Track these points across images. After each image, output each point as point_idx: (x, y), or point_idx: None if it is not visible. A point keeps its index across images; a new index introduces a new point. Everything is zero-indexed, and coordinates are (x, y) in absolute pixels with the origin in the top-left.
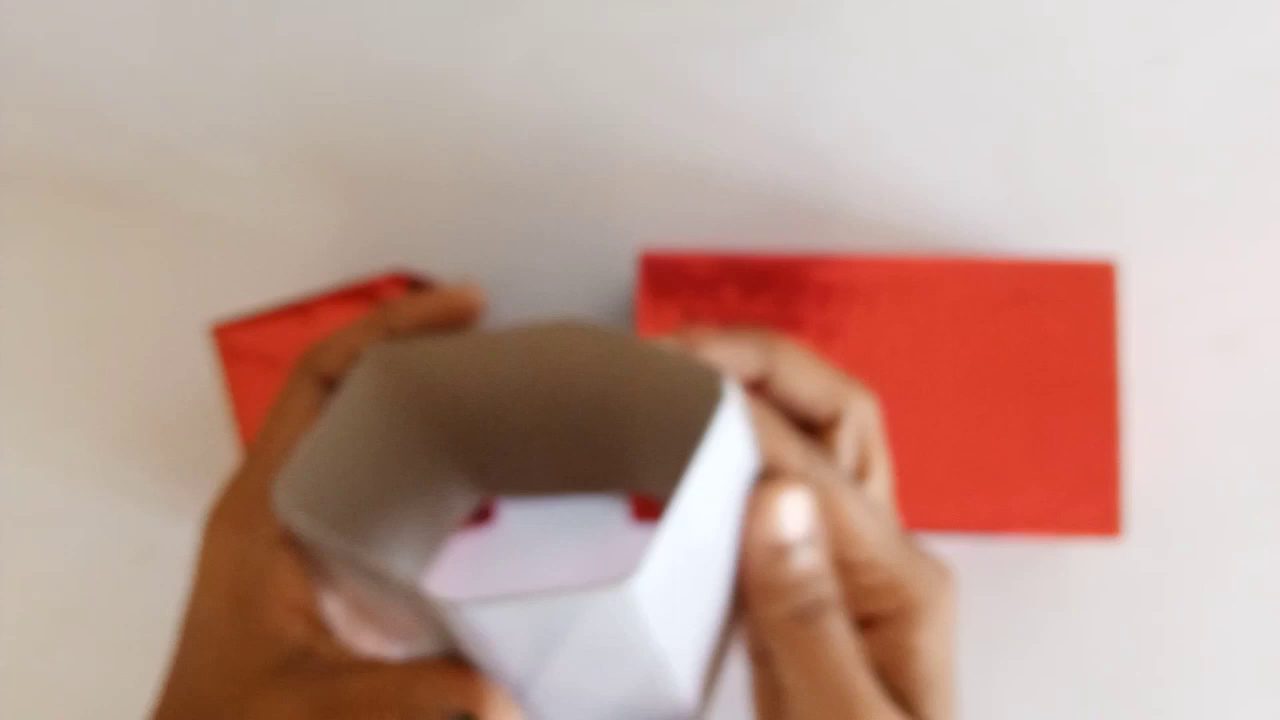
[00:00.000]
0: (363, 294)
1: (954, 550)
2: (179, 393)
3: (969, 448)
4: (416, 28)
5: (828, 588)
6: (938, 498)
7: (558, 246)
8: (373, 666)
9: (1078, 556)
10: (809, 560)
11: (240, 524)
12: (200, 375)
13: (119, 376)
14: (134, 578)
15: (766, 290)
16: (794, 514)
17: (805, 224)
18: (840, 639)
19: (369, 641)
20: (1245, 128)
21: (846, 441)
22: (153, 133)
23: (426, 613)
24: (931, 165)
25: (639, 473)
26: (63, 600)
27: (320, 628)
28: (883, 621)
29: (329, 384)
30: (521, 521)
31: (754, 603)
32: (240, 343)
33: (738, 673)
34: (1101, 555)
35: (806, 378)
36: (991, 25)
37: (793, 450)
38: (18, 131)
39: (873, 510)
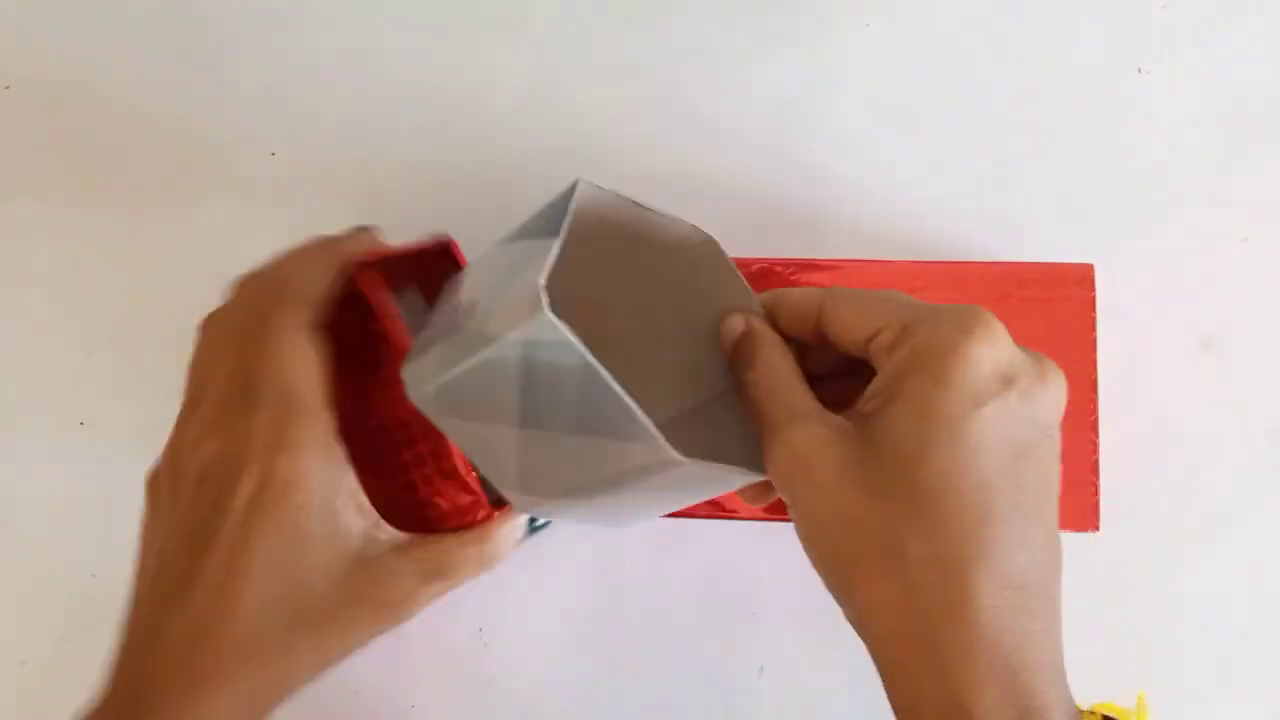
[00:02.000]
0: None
1: None
2: None
3: None
4: (428, 46)
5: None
6: None
7: None
8: (445, 535)
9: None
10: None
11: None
12: None
13: (135, 377)
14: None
15: (759, 291)
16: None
17: (796, 235)
18: (765, 364)
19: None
20: (1222, 137)
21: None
22: (172, 142)
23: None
24: (916, 178)
25: None
26: (89, 592)
27: (369, 513)
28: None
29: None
30: None
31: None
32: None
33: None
34: (1081, 547)
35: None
36: (973, 43)
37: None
38: (38, 138)
39: (854, 301)
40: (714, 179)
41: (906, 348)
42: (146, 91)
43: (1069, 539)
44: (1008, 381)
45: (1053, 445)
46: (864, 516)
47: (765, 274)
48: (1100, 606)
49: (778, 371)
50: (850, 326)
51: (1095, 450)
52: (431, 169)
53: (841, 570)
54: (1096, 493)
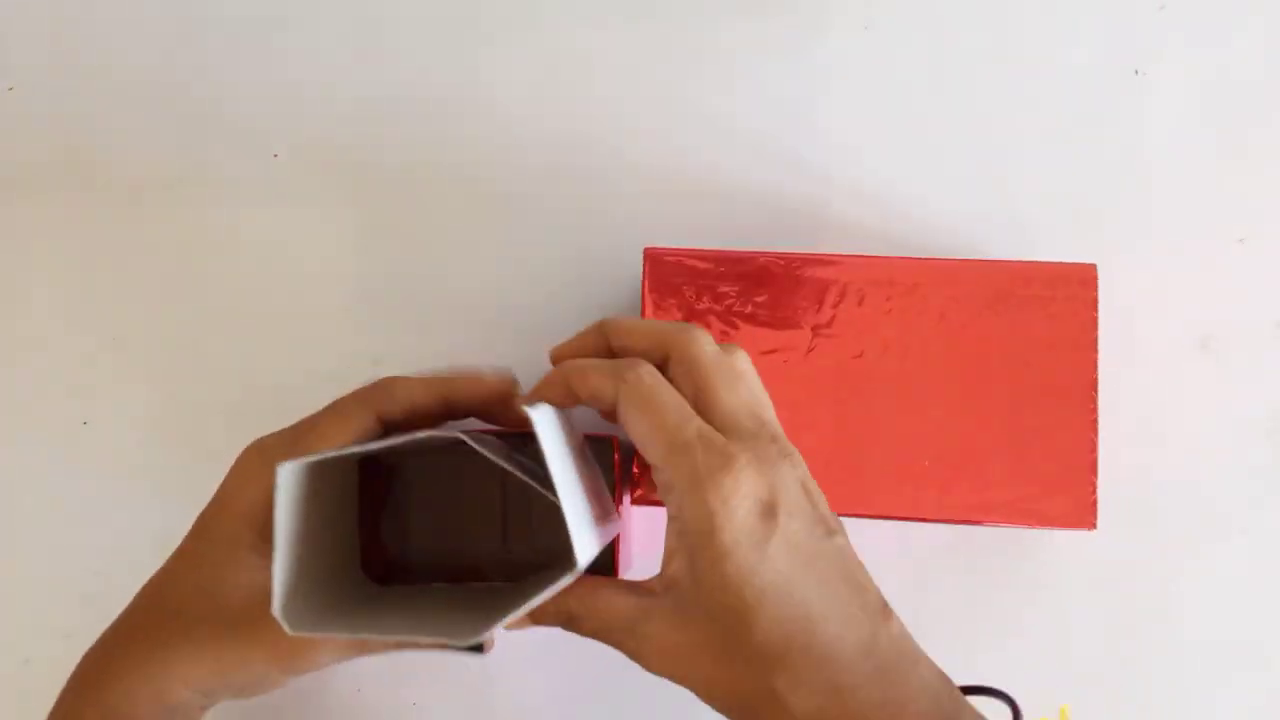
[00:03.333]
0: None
1: (939, 539)
2: (199, 390)
3: (952, 440)
4: (429, 46)
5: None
6: (920, 487)
7: (569, 250)
8: None
9: (1056, 546)
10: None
11: (270, 464)
12: (218, 373)
13: (135, 377)
14: (157, 564)
15: (764, 287)
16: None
17: (796, 234)
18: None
19: None
20: (1219, 138)
21: (675, 376)
22: (173, 143)
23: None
24: (915, 177)
25: None
26: (91, 585)
27: None
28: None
29: (383, 420)
30: None
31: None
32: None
33: None
34: (1079, 545)
35: (636, 416)
36: (973, 43)
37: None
38: (38, 138)
39: (653, 429)
40: (715, 178)
41: (675, 521)
42: (148, 92)
43: (1068, 537)
44: (770, 510)
45: (818, 512)
46: (732, 683)
47: (768, 269)
48: (1099, 606)
49: (595, 609)
50: (638, 443)
51: (1094, 449)
52: (432, 170)
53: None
54: (1094, 491)
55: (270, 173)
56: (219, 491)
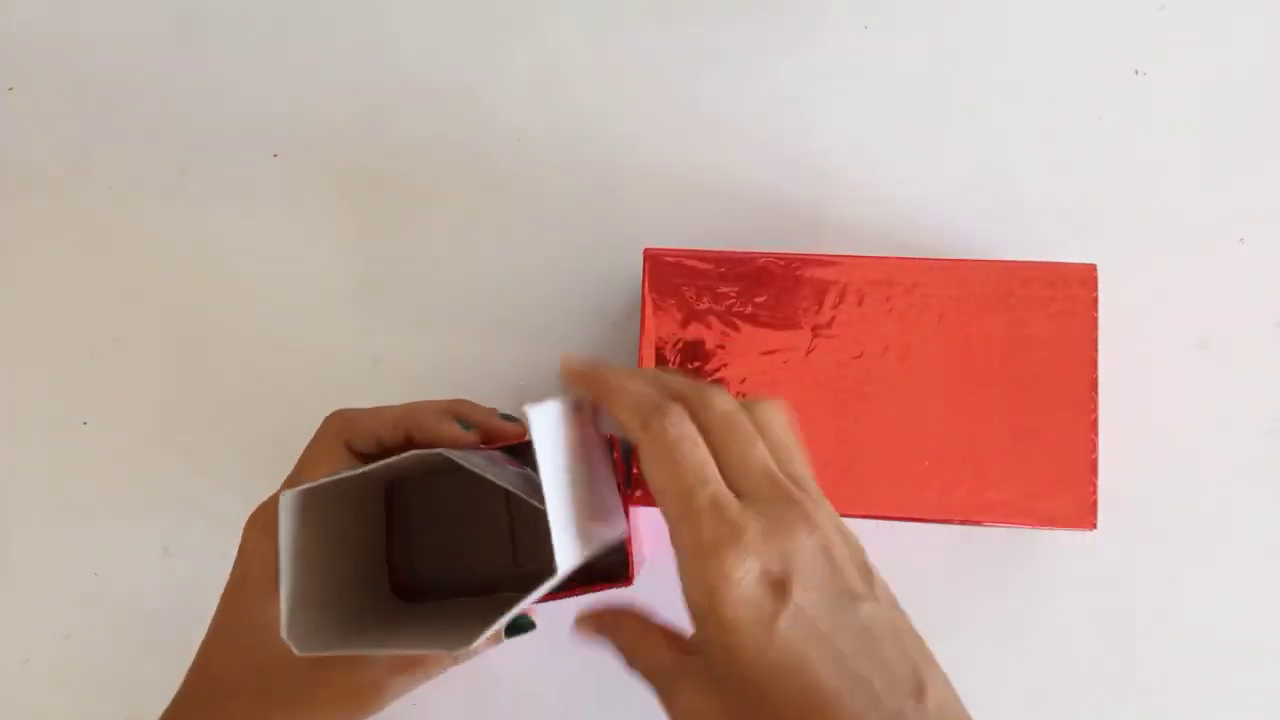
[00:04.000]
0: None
1: (938, 538)
2: (198, 390)
3: (953, 440)
4: (430, 47)
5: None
6: (921, 487)
7: (569, 250)
8: None
9: (1056, 545)
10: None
11: (271, 531)
12: (218, 373)
13: (135, 377)
14: (160, 569)
15: (764, 287)
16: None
17: (797, 233)
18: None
19: None
20: (1219, 138)
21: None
22: (173, 143)
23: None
24: (916, 177)
25: None
26: (90, 586)
27: None
28: None
29: (356, 452)
30: None
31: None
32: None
33: None
34: (1078, 545)
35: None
36: (973, 43)
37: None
38: (39, 138)
39: (666, 489)
40: (715, 178)
41: (685, 593)
42: (148, 92)
43: (1067, 537)
44: (780, 585)
45: (842, 581)
46: None
47: (767, 269)
48: (1098, 605)
49: (641, 646)
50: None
51: (1094, 449)
52: (432, 170)
53: None
54: (1095, 491)
55: (270, 172)
56: (237, 559)
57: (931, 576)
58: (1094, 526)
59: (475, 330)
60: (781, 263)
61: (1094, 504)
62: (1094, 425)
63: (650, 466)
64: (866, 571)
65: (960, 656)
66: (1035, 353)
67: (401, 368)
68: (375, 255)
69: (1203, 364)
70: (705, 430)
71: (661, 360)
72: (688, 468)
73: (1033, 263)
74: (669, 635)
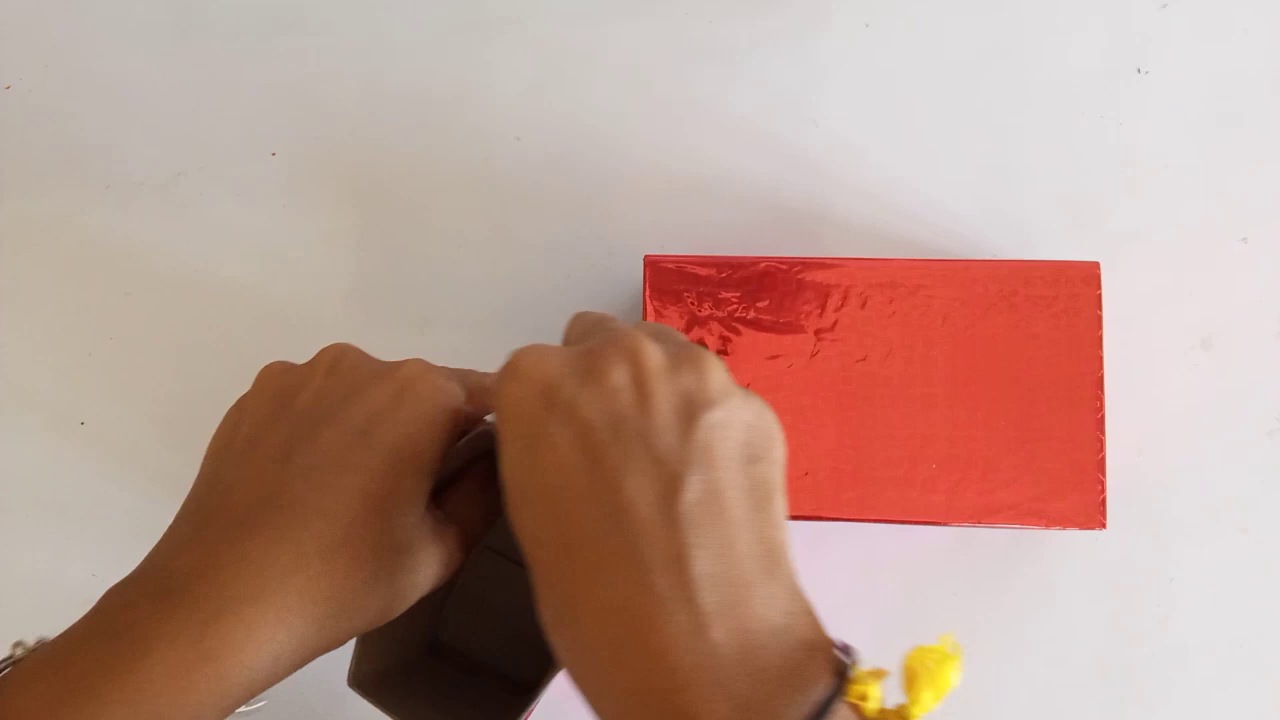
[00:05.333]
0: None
1: (943, 539)
2: (197, 390)
3: (959, 442)
4: (428, 45)
5: None
6: (928, 490)
7: (570, 247)
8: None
9: (1058, 545)
10: None
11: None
12: (217, 372)
13: (135, 377)
14: None
15: (766, 292)
16: None
17: (798, 233)
18: None
19: None
20: (1221, 137)
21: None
22: (172, 142)
23: None
24: (916, 177)
25: None
26: (88, 586)
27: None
28: None
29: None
30: None
31: None
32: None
33: None
34: (1079, 545)
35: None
36: (974, 42)
37: None
38: (38, 138)
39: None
40: (715, 178)
41: None
42: (147, 91)
43: (1070, 536)
44: (549, 405)
45: (627, 407)
46: (535, 592)
47: (769, 273)
48: (1101, 604)
49: None
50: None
51: (1101, 448)
52: (432, 169)
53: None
54: (1103, 490)
55: (268, 172)
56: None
57: (934, 577)
58: (1103, 526)
59: (475, 330)
60: (783, 266)
61: (1103, 503)
62: (1100, 424)
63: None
64: (695, 401)
65: (963, 657)
66: (1040, 352)
67: None
68: (374, 254)
69: (1205, 364)
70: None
71: None
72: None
73: (1035, 262)
74: None
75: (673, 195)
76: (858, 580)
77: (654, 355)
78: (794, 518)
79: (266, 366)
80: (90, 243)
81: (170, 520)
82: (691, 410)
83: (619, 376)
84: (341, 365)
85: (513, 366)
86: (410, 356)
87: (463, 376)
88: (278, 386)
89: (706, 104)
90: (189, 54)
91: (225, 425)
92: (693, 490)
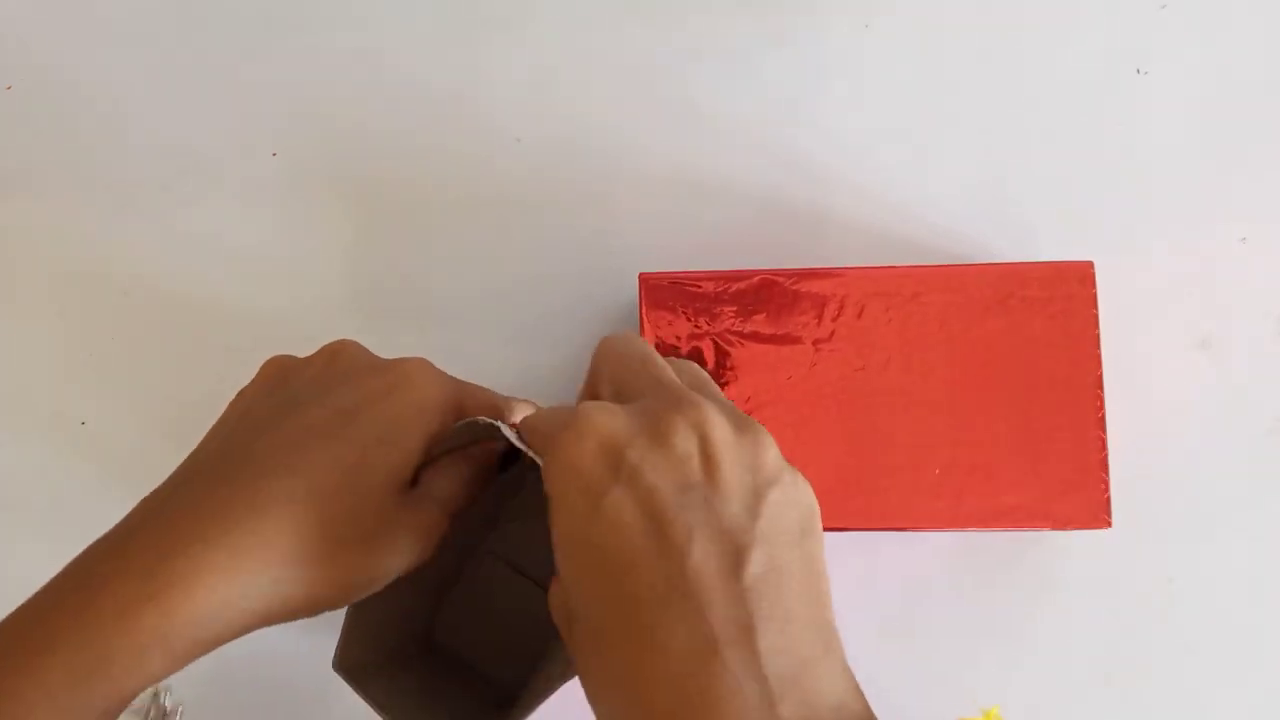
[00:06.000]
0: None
1: (942, 543)
2: (196, 390)
3: (962, 447)
4: (428, 46)
5: None
6: (933, 497)
7: (567, 248)
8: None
9: (1057, 546)
10: None
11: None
12: (216, 372)
13: (135, 377)
14: None
15: (762, 304)
16: None
17: (796, 233)
18: None
19: None
20: (1220, 137)
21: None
22: (172, 142)
23: None
24: (916, 177)
25: None
26: None
27: None
28: None
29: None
30: None
31: None
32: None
33: None
34: (1080, 546)
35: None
36: (973, 43)
37: None
38: (38, 138)
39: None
40: (714, 179)
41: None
42: (146, 91)
43: (1069, 537)
44: (614, 467)
45: (696, 495)
46: (578, 653)
47: (765, 285)
48: (1101, 605)
49: None
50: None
51: (1104, 447)
52: (431, 170)
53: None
54: (1107, 489)
55: (268, 172)
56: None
57: (934, 578)
58: (1109, 525)
59: (474, 331)
60: (778, 278)
61: (1107, 502)
62: (1101, 423)
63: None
64: (762, 477)
65: (963, 657)
66: (1038, 354)
67: None
68: (374, 254)
69: (1203, 363)
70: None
71: None
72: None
73: (1029, 263)
74: None
75: (672, 194)
76: (858, 584)
77: (720, 426)
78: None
79: (269, 358)
80: (90, 243)
81: None
82: (756, 484)
83: (686, 444)
84: (341, 357)
85: (577, 421)
86: (409, 356)
87: (463, 386)
88: (277, 372)
89: (706, 104)
90: (189, 54)
91: (226, 410)
92: (758, 564)
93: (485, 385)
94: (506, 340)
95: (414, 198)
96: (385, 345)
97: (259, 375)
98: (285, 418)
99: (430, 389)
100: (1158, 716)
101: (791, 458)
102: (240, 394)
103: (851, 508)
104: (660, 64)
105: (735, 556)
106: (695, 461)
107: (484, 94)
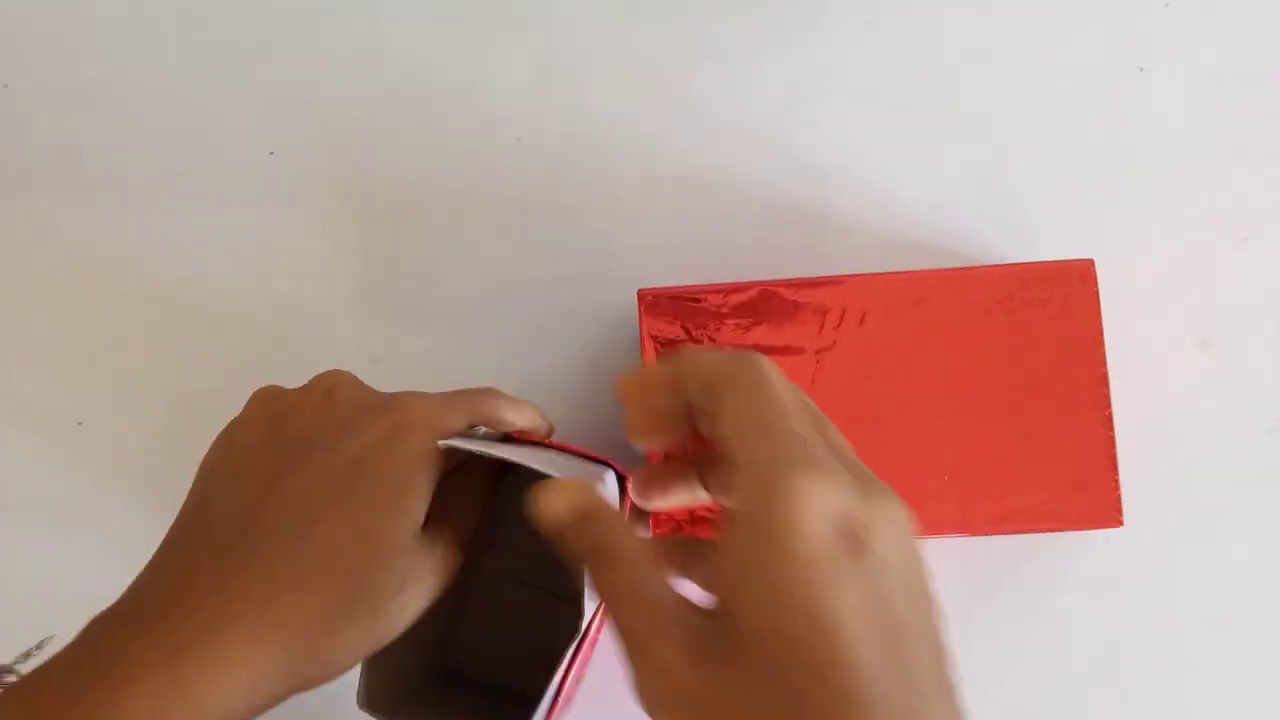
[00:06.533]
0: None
1: (945, 542)
2: (195, 390)
3: (969, 451)
4: (428, 46)
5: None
6: (942, 502)
7: (567, 249)
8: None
9: (1057, 547)
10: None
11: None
12: (215, 372)
13: (135, 377)
14: None
15: (762, 316)
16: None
17: (795, 233)
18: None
19: None
20: (1221, 137)
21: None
22: (171, 142)
23: None
24: (916, 177)
25: None
26: (86, 587)
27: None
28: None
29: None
30: None
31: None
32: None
33: None
34: (1080, 546)
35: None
36: (974, 43)
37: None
38: (38, 138)
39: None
40: (714, 179)
41: (732, 516)
42: (146, 91)
43: (1068, 538)
44: (857, 543)
45: (930, 607)
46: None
47: (767, 296)
48: (1100, 605)
49: (632, 582)
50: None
51: (1112, 445)
52: (432, 170)
53: None
54: (1117, 487)
55: (268, 171)
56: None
57: (943, 582)
58: (1120, 523)
59: (474, 330)
60: (778, 288)
61: (1117, 500)
62: (1108, 420)
63: (737, 402)
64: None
65: (963, 659)
66: (1042, 354)
67: (400, 368)
68: (374, 254)
69: (1205, 363)
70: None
71: None
72: (782, 404)
73: (1030, 264)
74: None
75: (672, 192)
76: None
77: (901, 511)
78: None
79: (258, 390)
80: (89, 243)
81: (165, 528)
82: (923, 582)
83: (899, 531)
84: (337, 394)
85: (805, 471)
86: (410, 359)
87: (466, 403)
88: (269, 411)
89: (705, 104)
90: (189, 54)
91: (214, 449)
92: (934, 649)
93: (487, 382)
94: (506, 340)
95: (414, 197)
96: (385, 345)
97: (249, 410)
98: (292, 471)
99: (433, 426)
100: (1154, 717)
101: None
102: (231, 431)
103: None
104: (661, 63)
105: (938, 653)
106: (911, 553)
107: (484, 93)
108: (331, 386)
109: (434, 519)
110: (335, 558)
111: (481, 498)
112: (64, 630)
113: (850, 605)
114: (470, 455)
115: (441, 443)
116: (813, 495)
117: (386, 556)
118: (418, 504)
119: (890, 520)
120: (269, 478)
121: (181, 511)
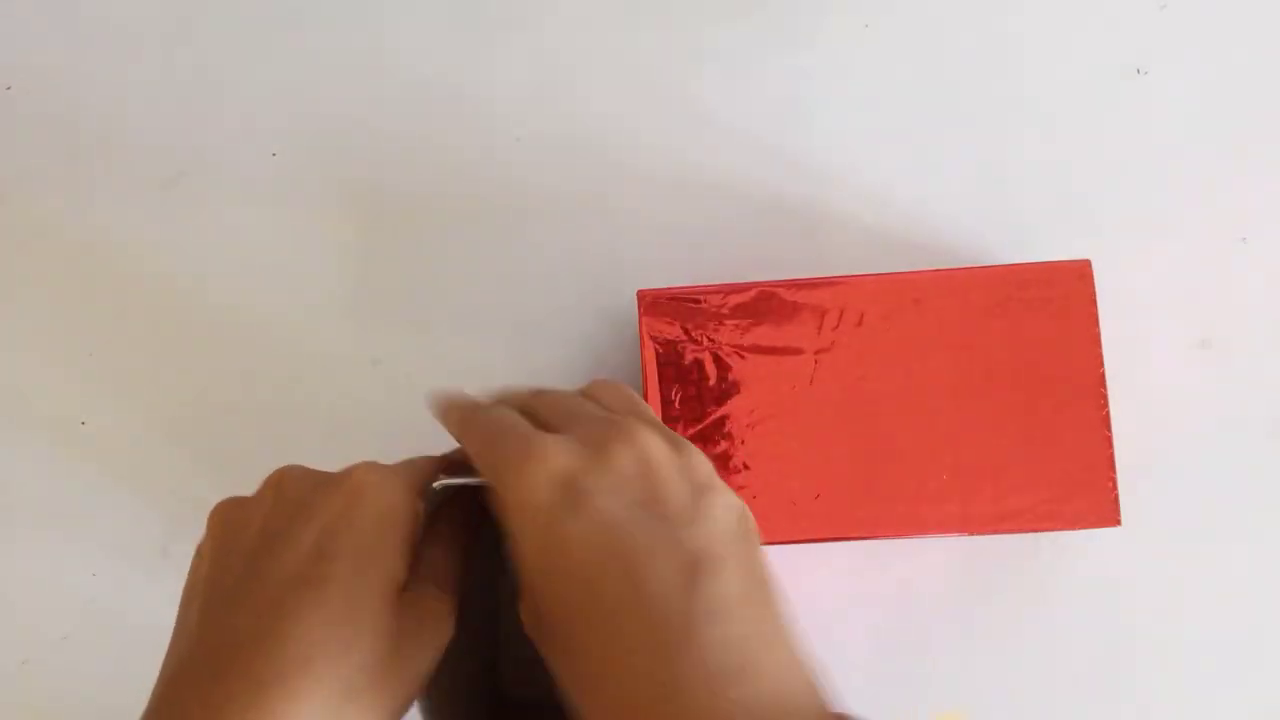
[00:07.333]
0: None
1: (944, 542)
2: (196, 390)
3: (967, 451)
4: (429, 46)
5: None
6: (941, 502)
7: (567, 251)
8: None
9: (1057, 547)
10: None
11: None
12: (216, 373)
13: (135, 377)
14: (159, 570)
15: (761, 317)
16: None
17: (795, 233)
18: None
19: None
20: (1221, 137)
21: None
22: (172, 142)
23: None
24: (915, 178)
25: None
26: (88, 586)
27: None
28: None
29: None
30: None
31: None
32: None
33: None
34: (1079, 546)
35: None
36: (973, 43)
37: None
38: (38, 138)
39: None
40: (714, 179)
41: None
42: (146, 91)
43: (1068, 539)
44: (569, 491)
45: (665, 526)
46: (554, 659)
47: (766, 297)
48: (1100, 606)
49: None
50: None
51: (1109, 444)
52: (432, 170)
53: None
54: (1115, 487)
55: (268, 172)
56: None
57: (933, 579)
58: (1119, 523)
59: (475, 331)
60: (777, 289)
61: (1115, 499)
62: (1106, 420)
63: (466, 441)
64: (699, 487)
65: (963, 659)
66: (1039, 354)
67: (401, 368)
68: (375, 254)
69: (1204, 364)
70: (533, 412)
71: (667, 403)
72: (497, 420)
73: (1027, 264)
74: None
75: (671, 193)
76: (858, 587)
77: (658, 445)
78: (811, 541)
79: (214, 507)
80: (90, 243)
81: (165, 528)
82: (697, 495)
83: (629, 465)
84: (284, 487)
85: (530, 452)
86: (411, 359)
87: (412, 469)
88: (225, 526)
89: (705, 104)
90: (189, 53)
91: (190, 572)
92: (704, 566)
93: (485, 386)
94: (507, 341)
95: (414, 197)
96: (385, 346)
97: (209, 530)
98: (256, 578)
99: (386, 491)
100: (1154, 717)
101: (796, 469)
102: (198, 552)
103: (859, 517)
104: (660, 64)
105: (683, 562)
106: (640, 480)
107: (484, 94)
108: (278, 482)
109: (416, 570)
110: (322, 650)
111: (464, 534)
112: (64, 630)
113: (576, 540)
114: (446, 500)
115: (435, 487)
116: (523, 482)
117: (372, 628)
118: (389, 565)
119: (609, 460)
120: (237, 595)
121: (170, 641)
